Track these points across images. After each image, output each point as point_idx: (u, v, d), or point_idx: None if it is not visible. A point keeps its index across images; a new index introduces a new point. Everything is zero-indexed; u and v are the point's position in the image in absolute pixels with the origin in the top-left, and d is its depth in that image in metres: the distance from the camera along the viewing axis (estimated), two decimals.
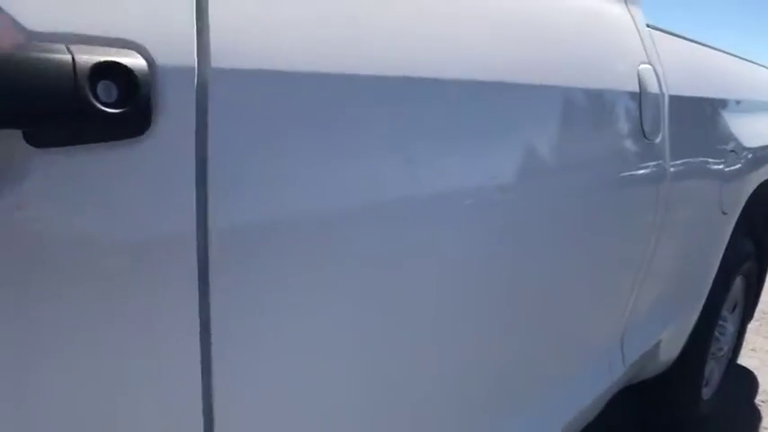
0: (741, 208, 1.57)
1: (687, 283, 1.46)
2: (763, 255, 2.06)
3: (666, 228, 1.17)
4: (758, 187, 1.72)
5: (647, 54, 1.08)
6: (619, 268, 1.09)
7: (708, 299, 1.58)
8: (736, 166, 1.48)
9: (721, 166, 1.41)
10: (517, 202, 0.79)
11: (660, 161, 1.09)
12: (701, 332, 1.60)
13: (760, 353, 2.37)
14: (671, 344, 1.48)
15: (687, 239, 1.36)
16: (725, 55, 1.51)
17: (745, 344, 2.44)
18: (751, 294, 2.00)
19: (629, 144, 1.00)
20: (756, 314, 2.72)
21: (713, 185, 1.39)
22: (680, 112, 1.21)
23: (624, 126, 0.99)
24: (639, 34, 1.08)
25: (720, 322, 1.80)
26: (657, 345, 1.38)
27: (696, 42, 1.35)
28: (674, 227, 1.22)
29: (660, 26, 1.26)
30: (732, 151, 1.46)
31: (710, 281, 1.54)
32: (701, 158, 1.31)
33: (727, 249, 1.61)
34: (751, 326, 2.60)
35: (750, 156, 1.57)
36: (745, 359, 2.32)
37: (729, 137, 1.44)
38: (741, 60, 1.62)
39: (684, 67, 1.28)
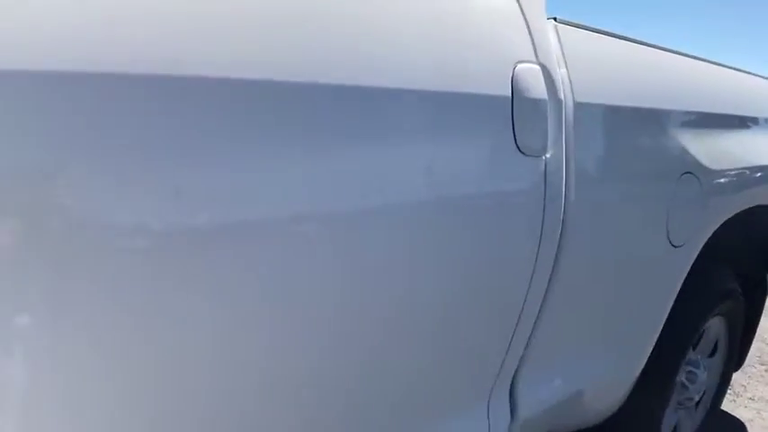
0: (705, 239, 1.34)
1: (621, 325, 1.24)
2: (757, 292, 1.80)
3: (568, 260, 0.98)
4: (744, 214, 1.49)
5: (535, 51, 0.90)
6: (486, 309, 0.90)
7: (665, 342, 1.37)
8: (694, 191, 1.26)
9: (667, 190, 1.19)
10: (348, 229, 0.69)
11: (547, 180, 0.90)
12: (654, 379, 1.39)
13: (759, 403, 2.08)
14: (603, 393, 1.27)
15: (613, 275, 1.15)
16: (678, 56, 1.27)
17: (743, 392, 2.17)
18: (736, 337, 1.74)
19: (487, 160, 0.82)
20: (763, 357, 2.43)
21: (653, 213, 1.17)
22: (595, 123, 1.02)
23: (482, 138, 0.81)
24: (528, 28, 0.90)
25: (689, 368, 1.57)
26: (578, 395, 1.18)
27: (633, 41, 1.14)
28: (582, 260, 1.03)
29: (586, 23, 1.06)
30: (687, 173, 1.24)
31: (660, 322, 1.32)
32: (629, 179, 1.10)
33: (695, 287, 1.39)
34: (755, 371, 2.32)
35: (719, 178, 1.34)
36: (740, 409, 2.05)
37: (682, 156, 1.22)
38: (705, 63, 1.37)
39: (607, 69, 1.07)
